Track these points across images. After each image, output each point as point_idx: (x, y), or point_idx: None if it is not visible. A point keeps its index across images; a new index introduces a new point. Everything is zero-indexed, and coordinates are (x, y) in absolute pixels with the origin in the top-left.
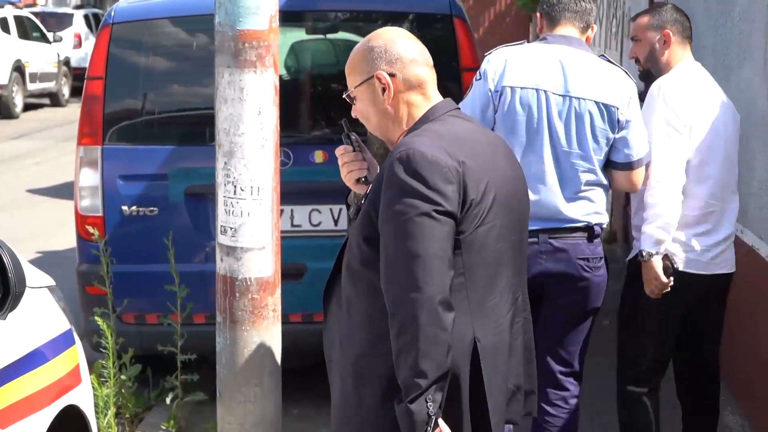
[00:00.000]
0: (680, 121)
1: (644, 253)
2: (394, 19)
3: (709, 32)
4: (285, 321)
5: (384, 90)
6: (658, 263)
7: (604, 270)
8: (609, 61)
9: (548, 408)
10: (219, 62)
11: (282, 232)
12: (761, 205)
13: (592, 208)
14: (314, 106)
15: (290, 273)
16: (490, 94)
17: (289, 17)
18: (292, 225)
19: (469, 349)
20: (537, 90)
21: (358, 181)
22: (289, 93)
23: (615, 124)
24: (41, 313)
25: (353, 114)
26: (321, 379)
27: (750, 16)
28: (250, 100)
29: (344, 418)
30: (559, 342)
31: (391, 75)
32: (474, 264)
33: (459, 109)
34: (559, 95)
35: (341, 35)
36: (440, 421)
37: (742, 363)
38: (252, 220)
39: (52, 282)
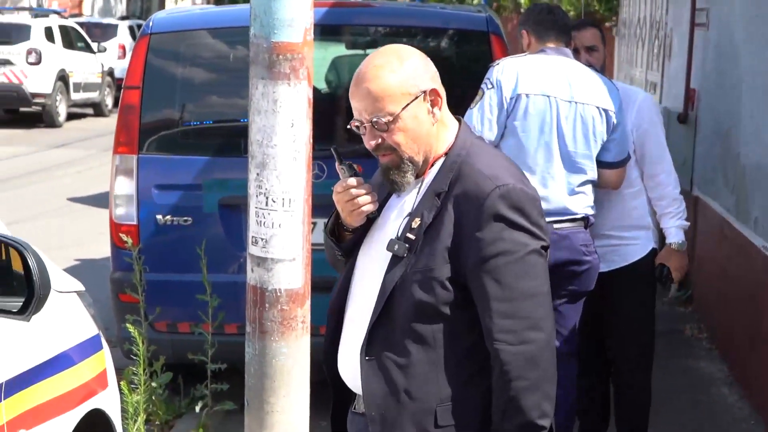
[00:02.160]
0: None
1: (681, 242)
2: (432, 34)
3: None
4: (315, 333)
5: (433, 105)
6: None
7: (597, 254)
8: (596, 71)
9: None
10: (253, 74)
11: (313, 244)
12: None
13: (588, 202)
14: (351, 119)
15: (321, 286)
16: (505, 101)
17: (328, 31)
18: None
19: None
20: (548, 96)
21: (367, 216)
22: (328, 106)
23: (610, 127)
24: (68, 317)
25: (378, 142)
26: None
27: None
28: (283, 112)
29: None
30: (563, 324)
31: (423, 96)
32: None
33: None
34: (566, 101)
35: None
36: None
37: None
38: (283, 231)
39: (81, 287)
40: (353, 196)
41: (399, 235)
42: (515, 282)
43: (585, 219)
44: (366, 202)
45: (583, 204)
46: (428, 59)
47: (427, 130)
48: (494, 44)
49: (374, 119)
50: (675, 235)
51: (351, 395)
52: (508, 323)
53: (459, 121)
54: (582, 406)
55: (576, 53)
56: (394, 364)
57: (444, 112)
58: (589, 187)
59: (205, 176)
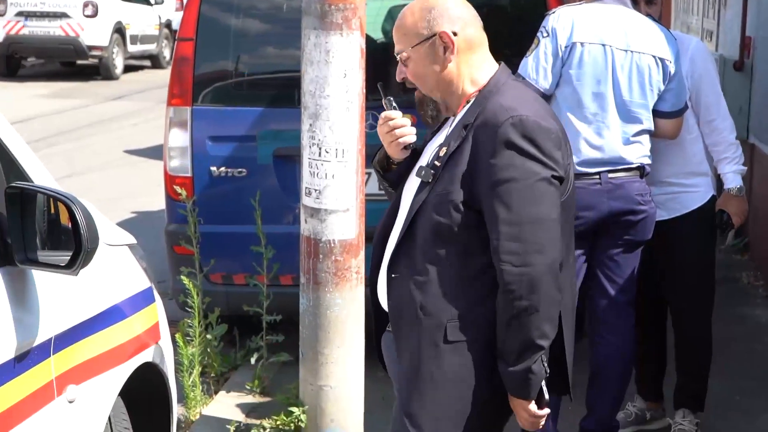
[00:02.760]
0: None
1: (739, 187)
2: None
3: None
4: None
5: (445, 49)
6: None
7: (654, 203)
8: (654, 20)
9: (613, 338)
10: (305, 24)
11: (367, 195)
12: None
13: (644, 151)
14: None
15: None
16: (560, 49)
17: None
18: (379, 189)
19: None
20: (603, 45)
21: (406, 147)
22: (383, 56)
23: (666, 76)
24: (119, 271)
25: (403, 77)
26: None
27: None
28: (335, 62)
29: (428, 382)
30: (620, 274)
31: (454, 34)
32: (563, 225)
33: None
34: (622, 50)
35: None
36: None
37: None
38: (336, 182)
39: (133, 240)
40: (392, 127)
41: (428, 162)
42: (522, 207)
43: (641, 168)
44: (403, 134)
45: (638, 153)
46: (463, 5)
47: (442, 70)
48: None
49: (397, 54)
50: (733, 180)
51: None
52: (514, 246)
53: (499, 64)
54: (638, 355)
55: (635, 4)
56: (413, 281)
57: (474, 54)
58: (645, 137)
59: (259, 127)
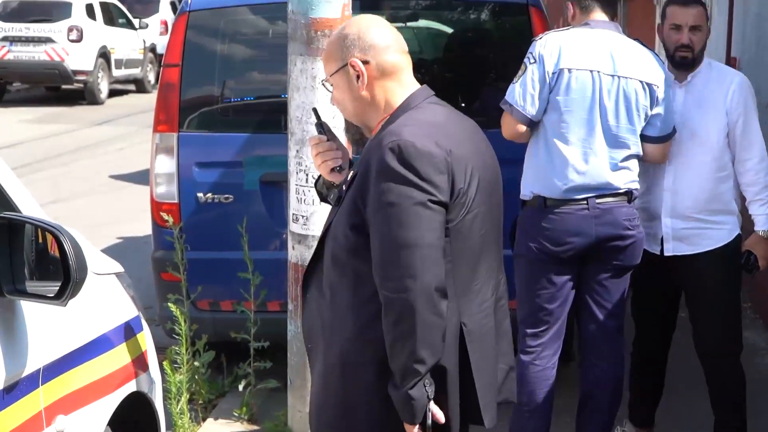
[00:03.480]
0: None
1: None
2: (471, 7)
3: None
4: None
5: (358, 77)
6: None
7: (642, 228)
8: (643, 45)
9: (602, 363)
10: (292, 50)
11: None
12: None
13: (632, 177)
14: None
15: None
16: (548, 75)
17: (367, 5)
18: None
19: (456, 333)
20: (590, 71)
21: (332, 170)
22: None
23: (654, 101)
24: (107, 300)
25: (331, 101)
26: None
27: None
28: (322, 88)
29: (326, 400)
30: (609, 299)
31: (365, 62)
32: (461, 250)
33: (435, 95)
34: (609, 75)
35: (422, 23)
36: (432, 404)
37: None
38: (323, 208)
39: (120, 268)
40: (316, 152)
41: (339, 189)
42: (397, 232)
43: (629, 193)
44: (325, 158)
45: (626, 179)
46: (379, 31)
47: (357, 97)
48: (534, 16)
49: (323, 81)
50: (764, 223)
51: None
52: (389, 271)
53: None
54: (635, 380)
55: (677, 30)
56: (317, 303)
57: (390, 80)
58: (633, 162)
59: (245, 153)
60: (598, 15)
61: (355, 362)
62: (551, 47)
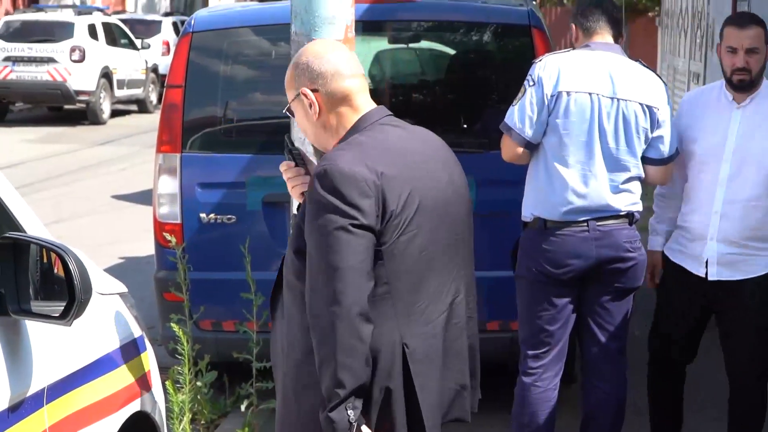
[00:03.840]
0: None
1: None
2: (473, 29)
3: None
4: None
5: (311, 106)
6: None
7: (644, 250)
8: (645, 66)
9: (604, 385)
10: None
11: None
12: None
13: (633, 199)
14: (396, 114)
15: None
16: (546, 98)
17: (370, 27)
18: None
19: (399, 354)
20: (590, 94)
21: (302, 194)
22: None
23: (654, 124)
24: (110, 320)
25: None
26: None
27: None
28: None
29: (285, 421)
30: (611, 321)
31: (314, 90)
32: (397, 272)
33: (391, 115)
34: (608, 98)
35: (423, 44)
36: (364, 427)
37: None
38: None
39: (123, 289)
40: (286, 177)
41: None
42: (320, 257)
43: (630, 216)
44: (294, 184)
45: (627, 201)
46: (328, 58)
47: (313, 123)
48: (536, 38)
49: (285, 108)
50: None
51: None
52: (313, 296)
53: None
54: (654, 410)
55: (733, 53)
56: (279, 323)
57: (342, 105)
58: (635, 184)
59: (248, 174)
60: (601, 37)
61: (305, 385)
62: (550, 70)
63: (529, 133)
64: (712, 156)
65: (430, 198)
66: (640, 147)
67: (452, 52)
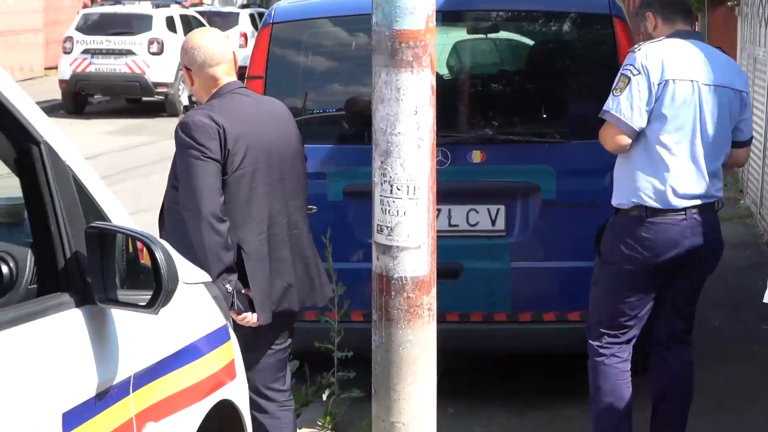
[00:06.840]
0: None
1: None
2: (553, 18)
3: None
4: (441, 320)
5: (187, 77)
6: None
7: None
8: (724, 52)
9: (675, 363)
10: (376, 62)
11: (439, 231)
12: None
13: (721, 185)
14: (473, 106)
15: (447, 272)
16: (653, 86)
17: (449, 17)
18: (450, 225)
19: (236, 253)
20: (692, 81)
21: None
22: (450, 92)
23: (743, 108)
24: (196, 309)
25: None
26: (476, 380)
27: None
28: (406, 99)
29: None
30: (686, 304)
31: (188, 69)
32: (233, 196)
33: (243, 87)
34: (707, 85)
35: (502, 35)
36: (244, 291)
37: None
38: (408, 219)
39: (208, 278)
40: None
41: None
42: (185, 180)
43: (718, 201)
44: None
45: (717, 187)
46: (203, 47)
47: (194, 89)
48: (617, 27)
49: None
50: None
51: None
52: (185, 210)
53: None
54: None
55: None
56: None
57: (208, 80)
58: (721, 170)
59: (329, 165)
60: (684, 25)
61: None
62: (653, 58)
63: (638, 122)
64: None
65: (257, 147)
66: (731, 131)
67: (531, 42)
